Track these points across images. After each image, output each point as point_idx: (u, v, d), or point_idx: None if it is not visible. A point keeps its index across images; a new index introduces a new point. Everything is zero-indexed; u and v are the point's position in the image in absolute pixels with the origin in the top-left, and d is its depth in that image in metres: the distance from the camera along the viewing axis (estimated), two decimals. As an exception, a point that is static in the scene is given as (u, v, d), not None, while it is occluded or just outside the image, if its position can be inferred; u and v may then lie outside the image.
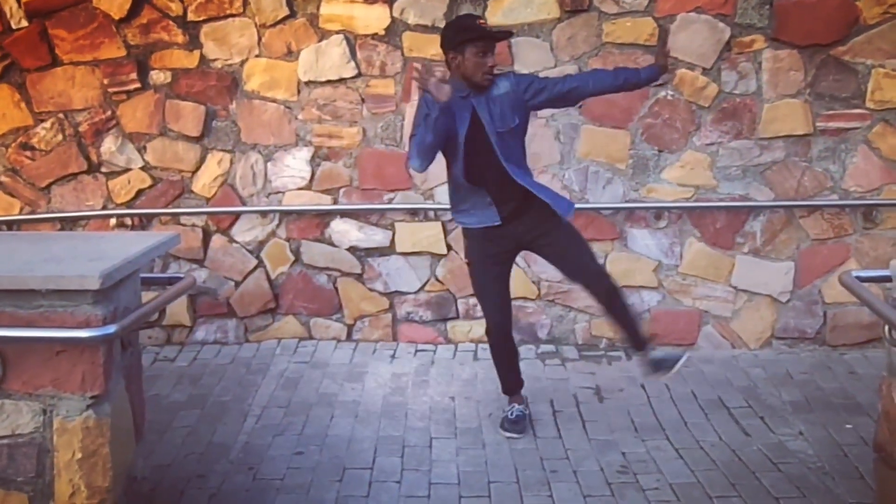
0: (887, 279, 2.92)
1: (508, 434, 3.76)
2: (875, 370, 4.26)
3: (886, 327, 2.70)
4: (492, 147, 3.47)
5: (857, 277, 2.98)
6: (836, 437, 3.70)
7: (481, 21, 3.65)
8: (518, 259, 4.74)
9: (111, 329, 2.45)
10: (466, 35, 3.46)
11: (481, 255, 3.69)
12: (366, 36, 4.68)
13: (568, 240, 3.67)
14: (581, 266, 3.70)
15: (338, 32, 4.69)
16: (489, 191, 3.54)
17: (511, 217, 3.57)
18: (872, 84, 4.56)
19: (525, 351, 4.75)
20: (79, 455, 2.49)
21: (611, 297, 3.71)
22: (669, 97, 4.64)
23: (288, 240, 4.89)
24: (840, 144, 4.64)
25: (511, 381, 3.90)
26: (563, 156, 4.71)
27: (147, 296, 2.95)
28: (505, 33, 3.74)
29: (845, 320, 4.70)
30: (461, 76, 3.48)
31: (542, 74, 4.62)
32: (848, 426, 3.79)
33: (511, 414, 3.82)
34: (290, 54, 4.73)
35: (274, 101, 4.78)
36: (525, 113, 3.57)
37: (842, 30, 4.54)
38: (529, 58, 4.64)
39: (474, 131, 3.47)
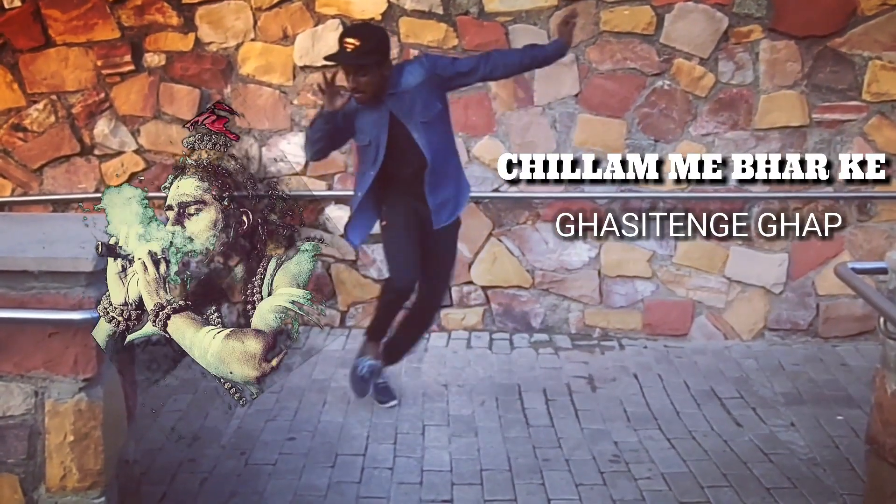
0: (882, 271, 2.92)
1: (359, 395, 3.84)
2: (866, 362, 4.28)
3: (881, 319, 2.70)
4: (414, 142, 3.51)
5: (853, 269, 2.98)
6: (827, 428, 3.72)
7: (346, 42, 3.45)
8: (511, 247, 4.78)
9: (104, 312, 2.43)
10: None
11: (395, 216, 3.68)
12: (362, 20, 4.65)
13: (446, 239, 3.73)
14: (438, 268, 3.74)
15: (334, 17, 4.66)
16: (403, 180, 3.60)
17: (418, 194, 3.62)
18: (869, 76, 4.56)
19: (518, 340, 4.75)
20: (70, 438, 2.47)
21: (429, 312, 3.85)
22: (666, 87, 4.63)
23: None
24: (836, 136, 4.64)
25: (380, 326, 3.84)
26: (559, 144, 4.69)
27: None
28: (355, 56, 3.44)
29: (838, 312, 4.72)
30: None
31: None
32: (839, 418, 3.81)
33: (363, 369, 3.81)
34: (286, 38, 4.70)
35: (269, 85, 4.75)
36: (445, 94, 3.61)
37: (840, 21, 4.53)
38: (527, 45, 4.62)
39: (396, 131, 3.51)
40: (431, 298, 3.80)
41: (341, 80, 3.47)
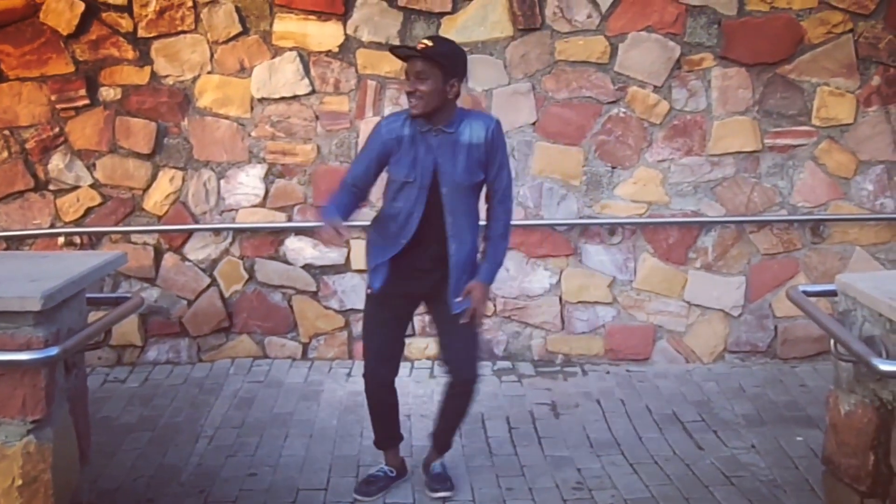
0: (832, 294, 2.97)
1: (357, 496, 3.38)
2: (825, 382, 4.33)
3: (832, 342, 2.75)
4: (440, 198, 3.12)
5: (804, 292, 3.03)
6: (787, 449, 3.75)
7: (421, 42, 3.13)
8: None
9: (53, 351, 2.40)
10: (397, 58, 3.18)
11: (388, 294, 3.26)
12: (319, 53, 4.67)
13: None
14: (462, 343, 3.28)
15: (291, 49, 4.67)
16: (417, 233, 3.17)
17: (424, 265, 3.22)
18: (818, 102, 4.67)
19: (482, 367, 4.73)
20: (19, 482, 2.42)
21: (464, 393, 3.33)
22: (622, 114, 4.70)
23: (242, 258, 4.84)
24: (788, 161, 4.73)
25: (383, 434, 3.51)
26: (518, 172, 4.72)
27: (96, 316, 2.89)
28: (427, 51, 3.06)
29: (795, 334, 4.78)
30: None
31: (495, 93, 4.68)
32: (798, 438, 3.85)
33: (376, 471, 3.48)
34: (243, 71, 4.70)
35: (227, 117, 4.74)
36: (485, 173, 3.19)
37: (788, 49, 4.64)
38: (483, 75, 4.67)
39: (434, 176, 3.13)
40: (464, 371, 3.30)
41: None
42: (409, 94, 3.10)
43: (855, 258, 4.75)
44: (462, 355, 3.30)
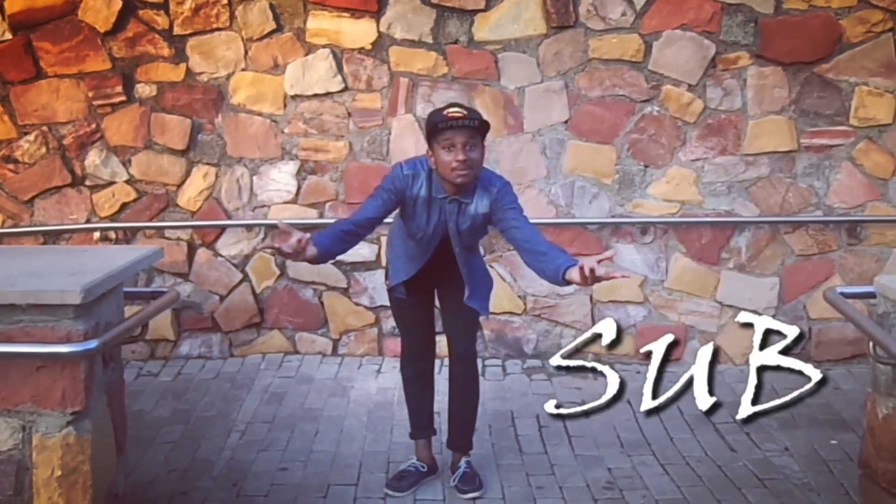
0: (871, 295, 2.93)
1: (388, 491, 3.39)
2: (859, 386, 4.28)
3: (871, 344, 2.72)
4: (449, 241, 3.21)
5: (842, 294, 2.99)
6: (821, 452, 3.71)
7: (453, 111, 3.02)
8: (503, 273, 4.78)
9: (92, 344, 2.43)
10: (431, 128, 3.04)
11: (415, 291, 3.39)
12: (352, 50, 4.69)
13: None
14: (462, 322, 3.40)
15: (324, 46, 4.69)
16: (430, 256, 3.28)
17: (441, 276, 3.34)
18: (856, 101, 4.60)
19: (511, 366, 4.74)
20: (58, 472, 2.46)
21: (465, 374, 3.42)
22: (655, 113, 4.66)
23: (273, 254, 4.87)
24: (824, 161, 4.67)
25: (416, 422, 3.56)
26: (550, 171, 4.72)
27: (131, 310, 2.92)
28: (477, 121, 3.04)
29: (830, 336, 4.72)
30: (440, 175, 3.11)
31: (527, 91, 4.67)
32: (833, 442, 3.80)
33: (407, 465, 3.50)
34: (277, 68, 4.73)
35: (260, 114, 4.77)
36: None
37: (826, 48, 4.58)
38: (516, 73, 4.66)
39: (439, 226, 3.19)
40: (458, 344, 3.42)
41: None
42: (459, 163, 2.98)
43: (892, 260, 4.68)
44: (461, 331, 3.42)
